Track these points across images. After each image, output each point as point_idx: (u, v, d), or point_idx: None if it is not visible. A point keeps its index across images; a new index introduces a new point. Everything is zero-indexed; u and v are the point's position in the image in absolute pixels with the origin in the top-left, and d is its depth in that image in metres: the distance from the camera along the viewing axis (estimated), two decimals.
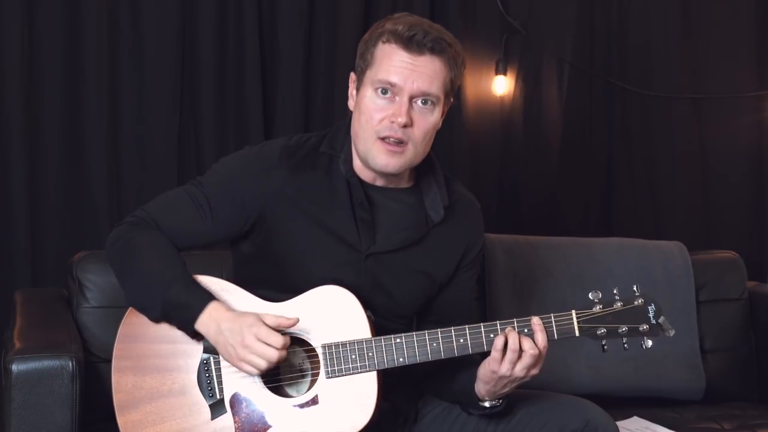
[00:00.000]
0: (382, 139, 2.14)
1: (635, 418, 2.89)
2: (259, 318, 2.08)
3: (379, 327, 2.16)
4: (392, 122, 2.12)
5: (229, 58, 3.29)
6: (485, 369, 2.10)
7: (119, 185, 3.21)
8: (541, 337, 2.08)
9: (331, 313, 2.13)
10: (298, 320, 2.12)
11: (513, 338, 2.07)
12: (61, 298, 2.81)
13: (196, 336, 2.13)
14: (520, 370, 2.07)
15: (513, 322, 2.11)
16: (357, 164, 2.21)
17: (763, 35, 3.85)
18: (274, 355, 2.06)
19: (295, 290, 2.16)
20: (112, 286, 2.57)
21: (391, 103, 2.13)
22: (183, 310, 2.11)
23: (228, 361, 2.11)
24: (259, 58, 3.30)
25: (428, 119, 2.15)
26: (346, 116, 2.26)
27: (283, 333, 2.09)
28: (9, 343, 2.40)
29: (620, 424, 2.54)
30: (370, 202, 2.21)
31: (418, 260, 2.23)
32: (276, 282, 2.18)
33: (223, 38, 3.28)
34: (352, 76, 2.22)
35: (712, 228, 3.83)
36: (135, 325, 2.16)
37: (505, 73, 3.62)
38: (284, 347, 2.07)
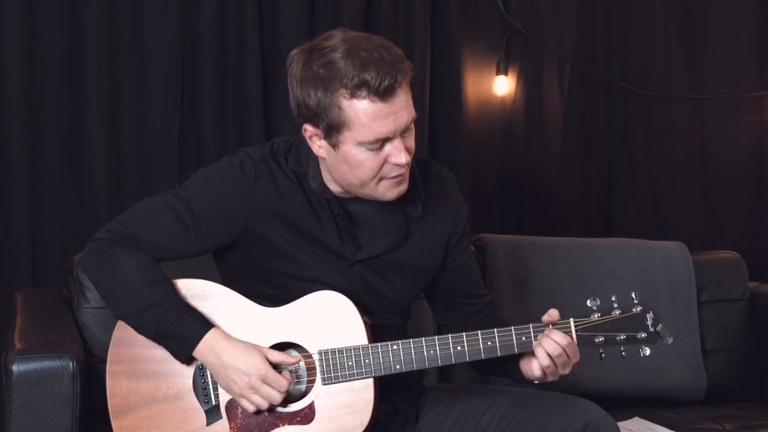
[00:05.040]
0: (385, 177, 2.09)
1: (636, 418, 2.88)
2: (264, 356, 2.07)
3: (376, 325, 2.15)
4: (395, 164, 2.06)
5: (229, 58, 3.29)
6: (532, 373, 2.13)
7: (119, 185, 3.21)
8: (558, 337, 2.08)
9: (327, 319, 2.12)
10: (300, 360, 2.11)
11: (551, 346, 2.07)
12: (62, 298, 2.81)
13: (190, 361, 2.11)
14: (561, 366, 2.10)
15: (511, 330, 2.11)
16: (326, 178, 2.16)
17: (765, 35, 3.85)
18: (277, 398, 2.07)
19: (286, 301, 2.14)
20: None
21: (382, 149, 2.05)
22: (177, 342, 2.09)
23: (226, 392, 2.10)
24: (259, 57, 3.30)
25: (413, 136, 2.10)
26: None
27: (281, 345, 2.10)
28: (9, 344, 2.39)
29: (621, 424, 2.54)
30: (348, 212, 2.18)
31: (405, 257, 2.21)
32: (266, 294, 2.16)
33: (223, 38, 3.28)
34: (308, 128, 2.08)
35: (713, 228, 3.83)
36: (129, 329, 2.14)
37: (506, 74, 3.61)
38: (287, 390, 2.07)
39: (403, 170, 2.08)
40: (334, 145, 2.06)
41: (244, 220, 2.14)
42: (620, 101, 3.75)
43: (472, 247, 2.58)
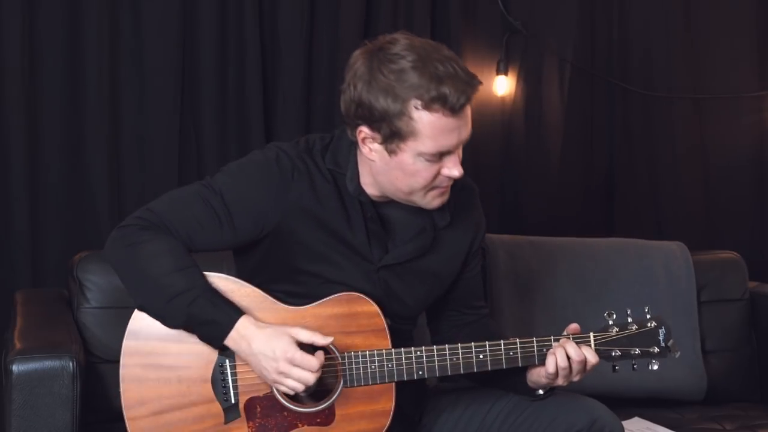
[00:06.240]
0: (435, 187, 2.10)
1: (636, 418, 2.88)
2: (293, 338, 2.04)
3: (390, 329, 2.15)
4: (448, 176, 2.07)
5: (229, 58, 3.29)
6: (539, 379, 2.15)
7: (119, 185, 3.20)
8: (573, 351, 2.11)
9: (351, 321, 2.12)
10: (332, 340, 2.08)
11: (562, 356, 2.10)
12: (62, 298, 2.81)
13: (221, 348, 2.09)
14: (574, 376, 2.14)
15: (533, 342, 2.13)
16: (364, 181, 2.15)
17: (765, 35, 3.85)
18: (310, 378, 2.03)
19: (307, 298, 2.14)
20: (113, 287, 2.56)
21: (439, 161, 2.06)
22: (210, 327, 2.06)
23: (263, 379, 2.08)
24: (259, 57, 3.30)
25: (461, 148, 2.11)
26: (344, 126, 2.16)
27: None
28: (9, 344, 2.40)
29: None
30: (380, 216, 2.18)
31: (428, 265, 2.22)
32: (286, 290, 2.15)
33: (223, 38, 3.28)
34: (365, 130, 2.06)
35: (713, 228, 3.83)
36: (145, 320, 2.10)
37: (506, 73, 3.61)
38: (320, 368, 2.04)
39: (452, 181, 2.11)
40: (392, 152, 2.06)
41: (278, 217, 2.13)
42: (620, 101, 3.76)
43: None
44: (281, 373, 2.03)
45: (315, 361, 2.03)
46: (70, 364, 2.30)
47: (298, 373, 2.02)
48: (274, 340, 2.03)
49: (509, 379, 2.21)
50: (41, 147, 3.13)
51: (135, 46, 3.20)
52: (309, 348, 2.07)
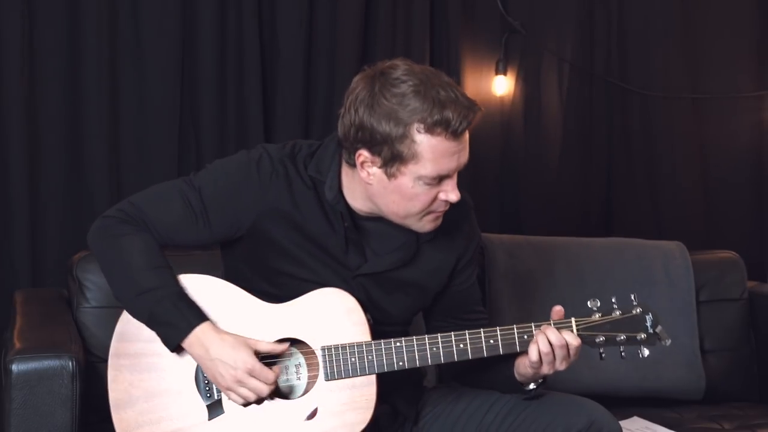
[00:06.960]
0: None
1: (635, 418, 2.89)
2: (252, 349, 2.08)
3: (377, 331, 2.15)
4: (445, 201, 2.08)
5: (229, 58, 3.29)
6: (525, 370, 2.14)
7: (119, 185, 3.21)
8: (554, 337, 2.10)
9: (330, 315, 2.13)
10: (288, 347, 2.12)
11: (544, 342, 2.09)
12: (61, 298, 2.82)
13: (177, 351, 2.11)
14: (559, 363, 2.11)
15: (513, 329, 2.12)
16: (349, 194, 2.16)
17: (763, 35, 3.85)
18: (265, 390, 2.07)
19: (287, 300, 2.15)
20: None
21: (438, 185, 2.07)
22: (166, 329, 2.09)
23: (215, 384, 2.11)
24: (259, 57, 3.30)
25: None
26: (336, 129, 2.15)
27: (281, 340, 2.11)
28: (9, 343, 2.40)
29: (620, 424, 2.55)
30: (359, 225, 2.18)
31: (409, 275, 2.22)
32: (266, 291, 2.17)
33: (223, 38, 3.28)
34: (364, 154, 2.06)
35: (712, 228, 3.83)
36: (132, 322, 2.14)
37: (505, 73, 3.62)
38: (275, 382, 2.08)
39: (448, 206, 2.11)
40: (391, 176, 2.06)
41: (253, 217, 2.15)
42: (619, 101, 3.76)
43: None
44: (238, 381, 2.06)
45: (272, 375, 2.07)
46: (70, 363, 2.30)
47: (254, 383, 2.06)
48: (235, 349, 2.07)
49: (499, 377, 2.22)
50: (41, 147, 3.13)
51: (135, 46, 3.21)
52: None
